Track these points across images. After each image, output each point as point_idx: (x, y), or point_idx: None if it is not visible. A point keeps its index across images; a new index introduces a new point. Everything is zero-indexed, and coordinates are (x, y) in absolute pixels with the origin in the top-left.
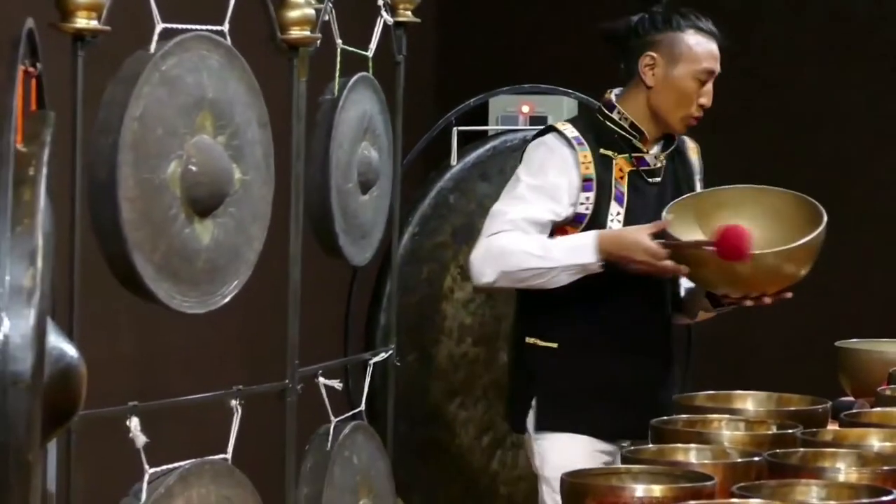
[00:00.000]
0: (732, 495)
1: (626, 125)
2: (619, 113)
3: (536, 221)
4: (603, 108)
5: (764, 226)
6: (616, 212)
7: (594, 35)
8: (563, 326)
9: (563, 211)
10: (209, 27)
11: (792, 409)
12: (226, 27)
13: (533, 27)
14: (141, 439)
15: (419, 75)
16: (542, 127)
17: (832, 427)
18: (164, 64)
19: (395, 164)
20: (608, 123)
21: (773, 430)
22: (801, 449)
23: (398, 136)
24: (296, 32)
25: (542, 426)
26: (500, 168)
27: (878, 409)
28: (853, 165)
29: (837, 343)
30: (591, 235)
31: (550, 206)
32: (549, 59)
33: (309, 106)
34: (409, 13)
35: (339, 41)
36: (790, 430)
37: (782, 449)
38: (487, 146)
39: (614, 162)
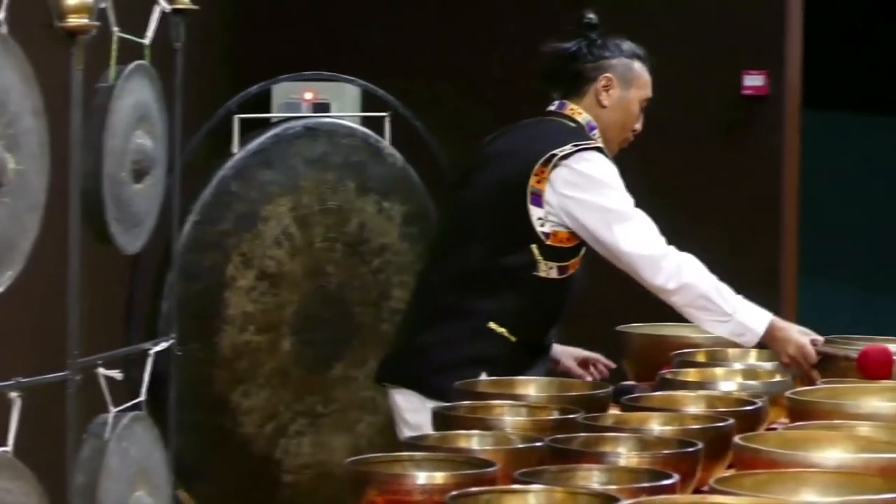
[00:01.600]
0: (514, 481)
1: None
2: (596, 134)
3: None
4: (583, 126)
5: None
6: None
7: (376, 23)
8: (527, 323)
9: None
10: None
11: (574, 394)
12: (1, 15)
13: (316, 14)
14: None
15: (203, 63)
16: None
17: (614, 412)
18: None
19: (175, 152)
20: None
21: (555, 415)
22: (583, 434)
23: (177, 124)
24: (74, 20)
25: None
26: (282, 155)
27: (660, 392)
28: (636, 150)
29: (619, 328)
30: (769, 314)
31: None
32: (332, 47)
33: (86, 94)
34: (186, 0)
35: (115, 29)
36: (572, 416)
37: (564, 434)
38: (270, 134)
39: None
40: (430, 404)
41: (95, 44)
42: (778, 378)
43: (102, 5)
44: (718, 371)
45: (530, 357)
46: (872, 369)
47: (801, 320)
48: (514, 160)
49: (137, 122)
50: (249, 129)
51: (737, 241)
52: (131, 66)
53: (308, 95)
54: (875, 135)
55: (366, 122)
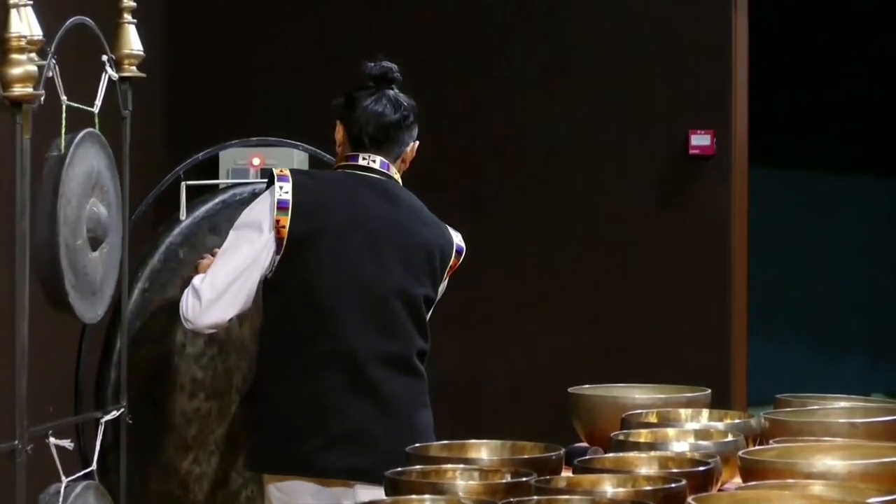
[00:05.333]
0: None
1: None
2: None
3: None
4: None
5: None
6: None
7: (319, 88)
8: None
9: None
10: None
11: (525, 456)
12: None
13: (261, 80)
14: None
15: (149, 129)
16: None
17: (566, 474)
18: None
19: (124, 219)
20: None
21: (508, 478)
22: (535, 497)
23: (126, 190)
24: (19, 89)
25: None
26: (228, 220)
27: (612, 454)
28: (583, 211)
29: (570, 389)
30: None
31: None
32: (278, 112)
33: (36, 162)
34: (133, 68)
35: (63, 97)
36: (524, 478)
37: (517, 497)
38: (217, 199)
39: None
40: None
41: (42, 112)
42: (730, 438)
43: (49, 74)
44: (670, 432)
45: None
46: None
47: (751, 378)
48: (431, 248)
49: (91, 190)
50: (197, 194)
51: (686, 300)
52: (82, 133)
53: (256, 161)
54: (822, 192)
55: None
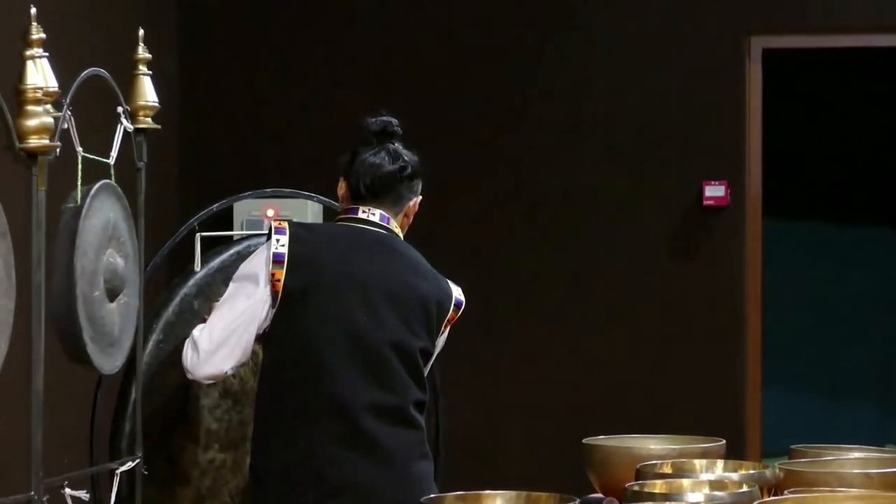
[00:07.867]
0: None
1: None
2: None
3: None
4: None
5: None
6: None
7: (331, 139)
8: None
9: None
10: None
11: None
12: None
13: (275, 131)
14: None
15: (164, 181)
16: None
17: None
18: None
19: (139, 270)
20: None
21: None
22: None
23: (141, 242)
24: (35, 141)
25: None
26: None
27: None
28: (597, 261)
29: (585, 440)
30: None
31: None
32: (293, 163)
33: (52, 214)
34: (149, 120)
35: (79, 149)
36: None
37: None
38: (231, 251)
39: None
40: None
41: (58, 163)
42: (745, 489)
43: (64, 126)
44: (685, 482)
45: None
46: None
47: (766, 429)
48: (427, 303)
49: (108, 241)
50: (212, 246)
51: (700, 351)
52: (98, 185)
53: (270, 212)
54: (835, 242)
55: None
